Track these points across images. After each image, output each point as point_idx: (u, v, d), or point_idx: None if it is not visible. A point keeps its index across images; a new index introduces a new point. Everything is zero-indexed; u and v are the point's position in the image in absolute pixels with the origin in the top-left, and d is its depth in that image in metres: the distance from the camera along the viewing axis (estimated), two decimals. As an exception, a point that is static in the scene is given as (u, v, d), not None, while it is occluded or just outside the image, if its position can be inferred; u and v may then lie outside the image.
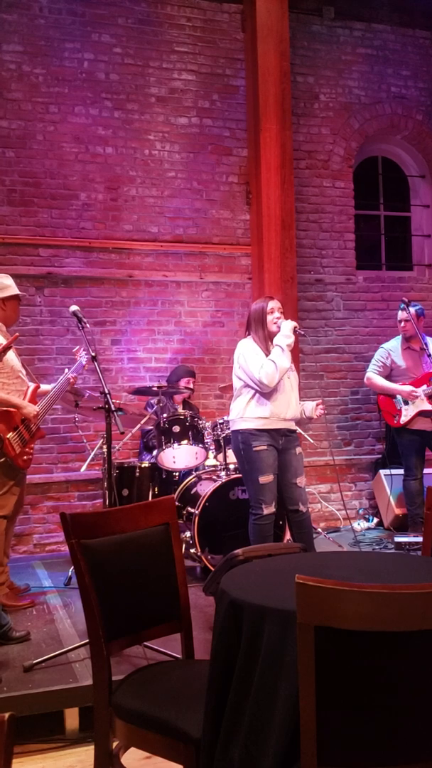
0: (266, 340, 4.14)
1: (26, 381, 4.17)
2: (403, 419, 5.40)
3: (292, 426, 4.22)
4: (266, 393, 4.06)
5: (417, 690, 1.48)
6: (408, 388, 5.38)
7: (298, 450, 4.22)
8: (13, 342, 3.82)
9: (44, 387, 4.33)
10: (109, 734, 2.07)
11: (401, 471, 5.66)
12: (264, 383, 4.00)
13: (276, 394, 4.08)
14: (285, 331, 4.10)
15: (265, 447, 4.05)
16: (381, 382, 5.54)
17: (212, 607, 2.07)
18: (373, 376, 5.59)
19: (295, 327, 4.15)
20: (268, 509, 4.06)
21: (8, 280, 4.16)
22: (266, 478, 4.05)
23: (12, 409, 3.91)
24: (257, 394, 4.08)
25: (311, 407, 4.27)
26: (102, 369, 4.02)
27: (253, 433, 4.06)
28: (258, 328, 4.18)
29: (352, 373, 6.68)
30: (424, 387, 5.37)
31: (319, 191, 6.71)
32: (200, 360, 6.28)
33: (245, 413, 4.10)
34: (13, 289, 4.14)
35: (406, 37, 7.06)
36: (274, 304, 4.21)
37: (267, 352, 4.10)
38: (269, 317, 4.17)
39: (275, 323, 4.15)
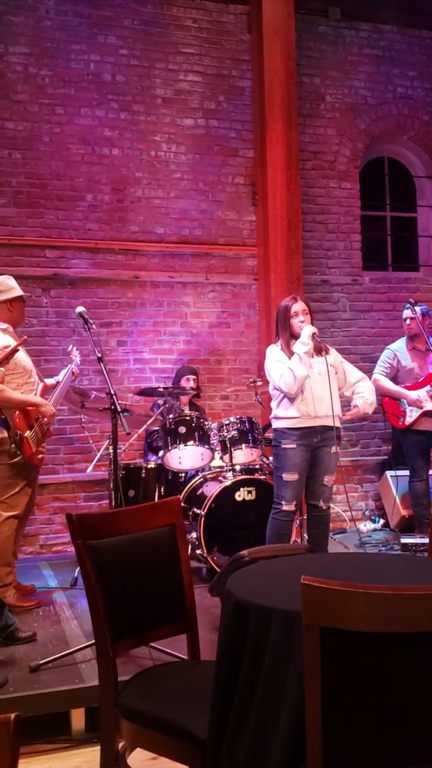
0: (290, 343, 4.18)
1: (37, 380, 4.20)
2: (408, 420, 5.39)
3: (330, 422, 4.14)
4: (292, 397, 4.12)
5: (423, 691, 1.47)
6: (414, 395, 5.36)
7: (334, 449, 4.21)
8: (22, 345, 3.85)
9: (49, 381, 4.35)
10: (115, 735, 2.07)
11: (407, 472, 5.65)
12: (284, 390, 4.09)
13: (306, 392, 4.11)
14: (303, 338, 4.11)
15: (294, 446, 4.11)
16: (388, 384, 5.53)
17: (218, 608, 2.07)
18: (380, 378, 5.57)
19: (314, 333, 4.15)
20: (288, 506, 4.14)
21: (12, 282, 4.19)
22: (290, 477, 4.11)
23: (29, 408, 3.93)
24: (285, 396, 4.16)
25: (362, 404, 4.27)
26: (108, 370, 4.03)
27: (284, 432, 4.15)
28: (283, 331, 4.23)
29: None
30: (428, 387, 5.36)
31: (325, 192, 6.70)
32: (206, 361, 6.28)
33: (278, 413, 4.21)
34: (17, 291, 4.17)
35: (413, 37, 7.05)
36: (298, 307, 4.20)
37: (291, 356, 4.13)
38: (294, 320, 4.18)
39: (300, 326, 4.16)
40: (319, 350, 4.24)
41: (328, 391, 4.12)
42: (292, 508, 4.15)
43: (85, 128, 5.98)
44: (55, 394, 4.26)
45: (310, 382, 4.12)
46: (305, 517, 4.49)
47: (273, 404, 4.28)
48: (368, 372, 6.83)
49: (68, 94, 5.94)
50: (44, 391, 4.17)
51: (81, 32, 5.99)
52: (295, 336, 4.17)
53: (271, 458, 4.70)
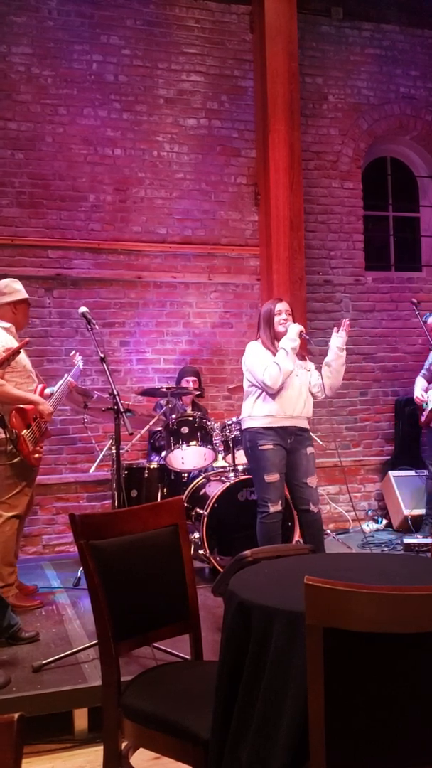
0: (273, 340, 4.20)
1: (36, 381, 4.21)
2: (423, 418, 5.46)
3: (303, 424, 4.22)
4: (272, 392, 4.10)
5: (426, 692, 1.47)
6: (416, 393, 5.47)
7: (309, 450, 4.23)
8: (24, 346, 3.86)
9: (48, 389, 4.36)
10: (118, 735, 2.07)
11: (410, 472, 5.66)
12: (268, 385, 4.07)
13: (283, 392, 4.12)
14: (291, 334, 4.14)
15: (271, 446, 4.09)
16: (415, 384, 5.62)
17: (221, 608, 2.07)
18: (418, 378, 5.66)
19: (301, 331, 4.18)
20: (274, 507, 4.10)
21: (18, 285, 4.21)
22: (272, 477, 4.09)
23: (26, 407, 3.94)
24: (263, 393, 4.14)
25: (334, 340, 4.25)
26: (111, 370, 4.03)
27: (260, 432, 4.12)
28: (266, 328, 4.25)
29: (360, 374, 6.67)
30: None
31: (327, 192, 6.70)
32: (209, 361, 6.28)
33: (252, 412, 4.18)
34: (22, 293, 4.20)
35: (415, 37, 7.04)
36: (282, 306, 4.27)
37: (274, 353, 4.14)
38: (276, 318, 4.23)
39: (282, 324, 4.20)
40: (300, 356, 4.27)
41: (304, 394, 4.19)
42: (278, 508, 4.11)
43: (87, 128, 5.98)
44: (52, 400, 4.27)
45: (289, 382, 4.13)
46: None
47: (246, 404, 4.24)
48: (371, 372, 6.86)
49: (71, 95, 5.94)
50: (42, 394, 4.18)
51: (83, 32, 5.99)
52: (277, 335, 4.20)
53: (244, 464, 4.74)
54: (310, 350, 4.51)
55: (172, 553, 2.32)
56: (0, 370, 3.78)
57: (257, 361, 4.14)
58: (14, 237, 5.72)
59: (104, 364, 3.99)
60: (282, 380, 4.06)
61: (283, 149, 6.08)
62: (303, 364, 4.29)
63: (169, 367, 6.14)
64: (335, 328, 4.30)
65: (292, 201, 6.10)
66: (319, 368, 4.32)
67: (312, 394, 4.30)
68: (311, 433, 4.36)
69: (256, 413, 4.16)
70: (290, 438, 4.15)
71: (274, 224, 6.08)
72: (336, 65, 6.77)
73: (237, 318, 6.38)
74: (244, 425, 4.24)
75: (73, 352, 4.94)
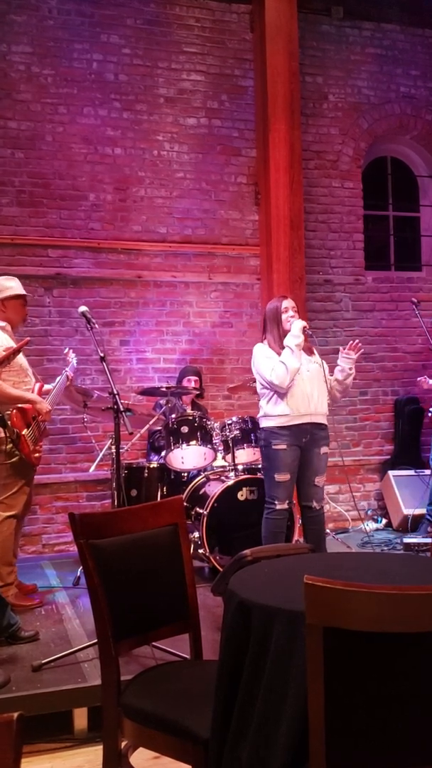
0: (281, 339, 4.20)
1: (33, 379, 4.20)
2: (430, 413, 5.49)
3: (319, 420, 4.20)
4: (282, 391, 4.11)
5: (427, 691, 1.47)
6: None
7: (324, 450, 4.23)
8: (23, 346, 3.85)
9: (46, 387, 4.36)
10: (118, 734, 2.07)
11: (410, 472, 5.66)
12: (276, 384, 4.08)
13: (294, 389, 4.12)
14: (294, 331, 4.14)
15: (285, 447, 4.10)
16: None
17: (221, 607, 2.07)
18: None
19: (305, 327, 4.19)
20: (281, 505, 4.15)
21: (10, 282, 4.16)
22: (282, 477, 4.12)
23: (26, 406, 3.93)
24: (275, 393, 4.14)
25: (343, 362, 4.25)
26: (110, 369, 4.02)
27: (274, 432, 4.13)
28: (273, 327, 4.25)
29: (361, 374, 6.65)
30: None
31: (327, 191, 6.70)
32: (209, 361, 6.28)
33: (267, 411, 4.20)
34: (13, 290, 4.14)
35: (416, 36, 7.04)
36: (288, 303, 4.28)
37: (280, 353, 4.14)
38: (284, 316, 4.23)
39: (290, 322, 4.20)
40: (308, 350, 4.27)
41: (316, 389, 4.18)
42: (285, 506, 4.17)
43: (87, 128, 5.98)
44: (49, 398, 4.26)
45: (299, 379, 4.13)
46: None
47: (262, 402, 4.26)
48: (371, 372, 6.85)
49: (71, 94, 5.94)
50: (40, 392, 4.17)
51: (84, 31, 5.99)
52: (284, 333, 4.20)
53: (244, 464, 4.86)
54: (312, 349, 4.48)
55: (172, 553, 2.32)
56: None
57: (264, 362, 4.16)
58: (14, 236, 5.72)
59: (104, 364, 3.98)
60: (290, 378, 4.07)
61: (283, 148, 6.08)
62: (312, 359, 4.27)
63: (169, 367, 6.14)
64: (342, 348, 4.30)
65: (293, 200, 6.10)
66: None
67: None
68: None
69: (271, 412, 4.17)
70: (305, 437, 4.15)
71: (274, 223, 6.07)
72: (336, 64, 6.76)
73: (237, 317, 6.37)
74: (261, 424, 4.27)
75: (67, 350, 4.92)
